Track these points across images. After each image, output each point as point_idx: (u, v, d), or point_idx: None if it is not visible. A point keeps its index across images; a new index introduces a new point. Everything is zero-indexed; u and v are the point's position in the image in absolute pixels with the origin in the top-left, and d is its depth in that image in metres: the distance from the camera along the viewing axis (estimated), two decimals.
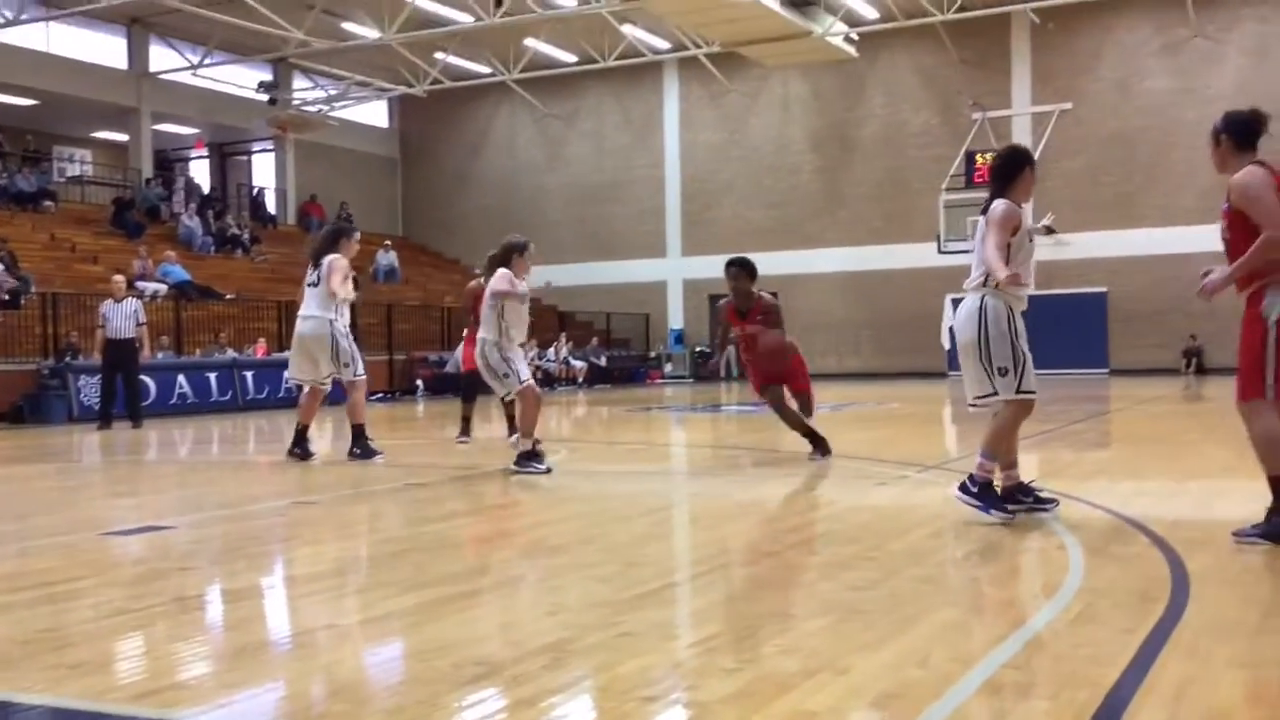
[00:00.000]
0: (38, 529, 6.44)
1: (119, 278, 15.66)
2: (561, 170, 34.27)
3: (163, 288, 21.44)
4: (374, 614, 4.02)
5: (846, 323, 30.43)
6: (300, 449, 9.54)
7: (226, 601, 4.44)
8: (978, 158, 25.65)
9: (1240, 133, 4.87)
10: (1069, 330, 26.45)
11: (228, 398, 19.42)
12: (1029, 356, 5.53)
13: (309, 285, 9.45)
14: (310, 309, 9.37)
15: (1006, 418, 5.57)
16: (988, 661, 3.16)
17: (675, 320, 33.40)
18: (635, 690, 2.95)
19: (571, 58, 31.03)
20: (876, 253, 30.23)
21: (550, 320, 30.99)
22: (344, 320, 9.46)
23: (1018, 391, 5.50)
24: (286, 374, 10.68)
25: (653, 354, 33.03)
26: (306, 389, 9.64)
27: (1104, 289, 27.97)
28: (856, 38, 26.53)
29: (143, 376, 16.45)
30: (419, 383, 24.26)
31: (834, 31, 24.93)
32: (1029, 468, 6.52)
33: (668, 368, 32.63)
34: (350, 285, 9.42)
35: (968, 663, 3.16)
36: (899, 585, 4.21)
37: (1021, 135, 27.31)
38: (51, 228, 24.06)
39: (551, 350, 28.16)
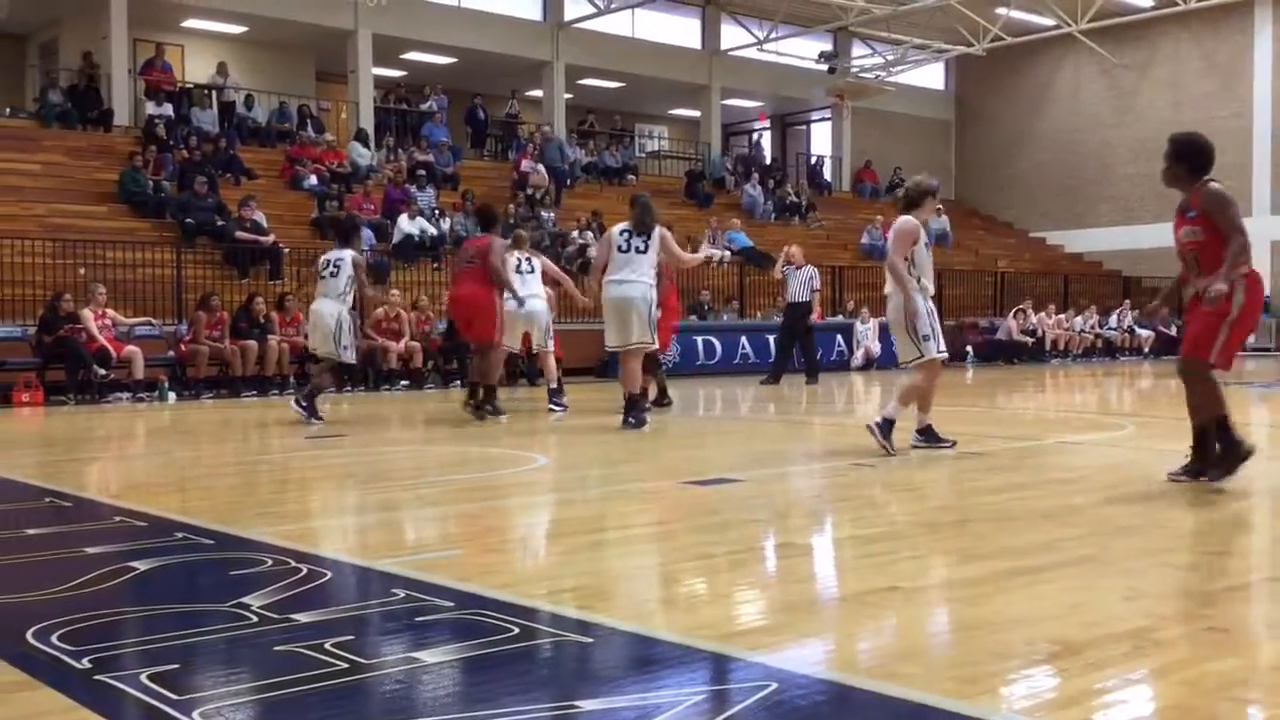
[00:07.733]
0: (625, 475, 7.13)
1: (795, 249, 16.62)
2: (1131, 124, 31.87)
3: (728, 254, 22.76)
4: (934, 580, 4.01)
5: None
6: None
7: (789, 555, 4.65)
8: None
9: None
10: None
11: None
12: None
13: None
14: None
15: None
16: None
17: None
18: (1228, 689, 2.71)
19: (1147, 2, 28.75)
20: None
21: (1114, 285, 29.16)
22: None
23: None
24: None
25: None
26: None
27: None
28: None
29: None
30: (969, 349, 23.82)
31: None
32: None
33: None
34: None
35: None
36: None
37: None
38: None
39: (1114, 317, 26.47)
